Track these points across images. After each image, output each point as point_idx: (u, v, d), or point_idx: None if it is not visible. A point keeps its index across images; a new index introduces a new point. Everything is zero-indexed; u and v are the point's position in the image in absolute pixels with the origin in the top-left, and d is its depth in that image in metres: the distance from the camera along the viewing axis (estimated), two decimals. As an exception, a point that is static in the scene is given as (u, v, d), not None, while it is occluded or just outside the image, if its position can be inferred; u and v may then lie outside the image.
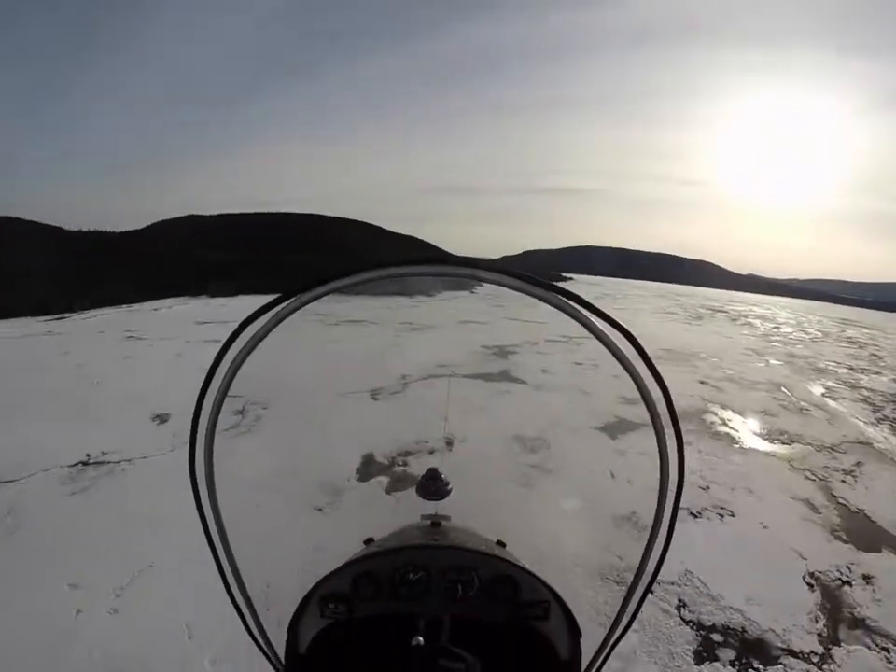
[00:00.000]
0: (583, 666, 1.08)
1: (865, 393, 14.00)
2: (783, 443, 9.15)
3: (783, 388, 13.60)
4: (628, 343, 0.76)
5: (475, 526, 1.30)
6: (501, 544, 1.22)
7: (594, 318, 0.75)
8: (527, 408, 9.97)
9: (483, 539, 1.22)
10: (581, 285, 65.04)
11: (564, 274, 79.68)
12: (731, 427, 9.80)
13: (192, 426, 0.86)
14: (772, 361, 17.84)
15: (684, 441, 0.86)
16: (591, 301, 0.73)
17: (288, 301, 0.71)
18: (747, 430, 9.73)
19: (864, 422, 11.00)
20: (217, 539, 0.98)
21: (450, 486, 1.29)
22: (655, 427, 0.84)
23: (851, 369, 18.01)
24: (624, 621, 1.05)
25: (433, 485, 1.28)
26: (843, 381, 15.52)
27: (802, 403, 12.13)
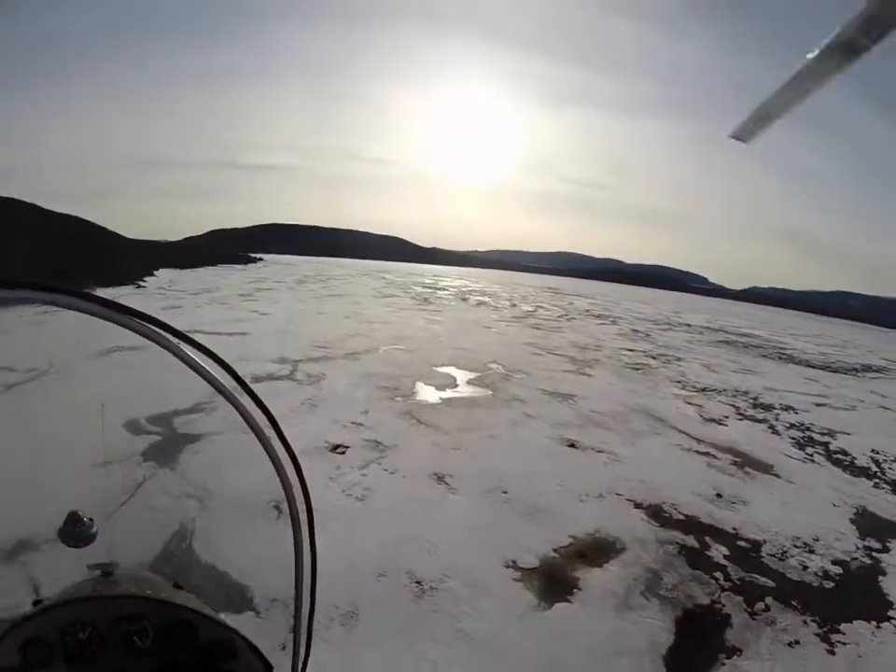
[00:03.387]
0: None
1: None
2: None
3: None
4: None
5: (148, 572, 1.15)
6: (178, 587, 1.09)
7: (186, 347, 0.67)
8: None
9: (159, 582, 1.09)
10: (276, 266, 54.58)
11: (252, 255, 67.97)
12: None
13: None
14: (600, 372, 13.21)
15: None
16: (182, 329, 0.66)
17: None
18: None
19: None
20: None
21: (95, 529, 1.03)
22: (270, 455, 0.77)
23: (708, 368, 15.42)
24: (302, 651, 1.03)
25: (75, 530, 1.01)
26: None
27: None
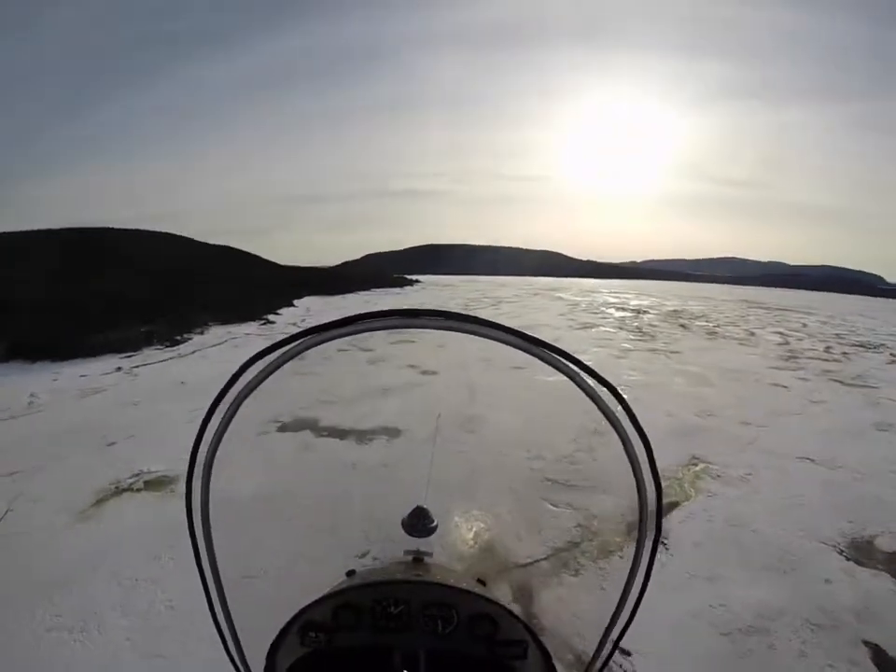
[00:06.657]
0: None
1: None
2: None
3: None
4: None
5: (457, 564, 1.25)
6: (482, 583, 1.15)
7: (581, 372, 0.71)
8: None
9: (464, 576, 1.16)
10: (434, 288, 48.60)
11: (408, 277, 65.46)
12: None
13: (191, 457, 0.77)
14: None
15: None
16: (581, 359, 0.72)
17: (294, 344, 0.68)
18: None
19: None
20: (206, 566, 0.89)
21: (435, 524, 1.17)
22: (637, 482, 0.77)
23: None
24: (598, 664, 0.97)
25: (419, 523, 1.16)
26: None
27: None
